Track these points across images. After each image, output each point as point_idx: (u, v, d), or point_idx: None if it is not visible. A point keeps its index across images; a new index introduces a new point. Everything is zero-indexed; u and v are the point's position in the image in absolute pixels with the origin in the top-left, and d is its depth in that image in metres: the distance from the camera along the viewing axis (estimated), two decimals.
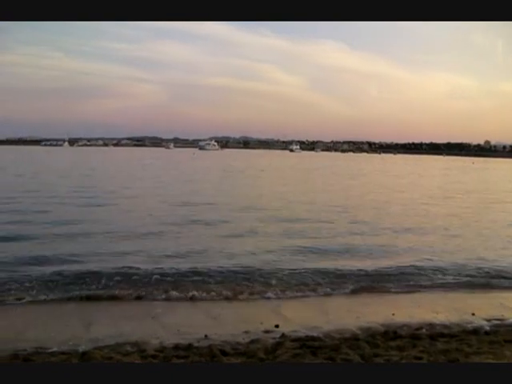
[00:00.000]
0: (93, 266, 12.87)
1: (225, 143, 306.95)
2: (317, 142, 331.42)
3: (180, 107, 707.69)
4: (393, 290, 11.98)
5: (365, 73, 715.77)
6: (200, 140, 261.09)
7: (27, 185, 36.85)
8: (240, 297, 11.15)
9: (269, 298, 11.13)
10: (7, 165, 68.01)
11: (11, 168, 59.87)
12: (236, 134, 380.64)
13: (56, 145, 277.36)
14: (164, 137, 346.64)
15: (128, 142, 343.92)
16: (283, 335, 8.39)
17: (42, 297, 10.77)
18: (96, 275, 12.06)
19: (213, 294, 11.21)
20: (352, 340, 8.08)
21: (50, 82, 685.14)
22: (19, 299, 10.50)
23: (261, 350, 7.50)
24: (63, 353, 7.63)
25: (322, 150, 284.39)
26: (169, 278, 12.03)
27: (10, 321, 9.54)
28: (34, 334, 8.69)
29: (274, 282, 12.08)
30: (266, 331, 8.79)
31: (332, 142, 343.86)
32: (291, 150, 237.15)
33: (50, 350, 7.81)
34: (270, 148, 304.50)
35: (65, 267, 12.77)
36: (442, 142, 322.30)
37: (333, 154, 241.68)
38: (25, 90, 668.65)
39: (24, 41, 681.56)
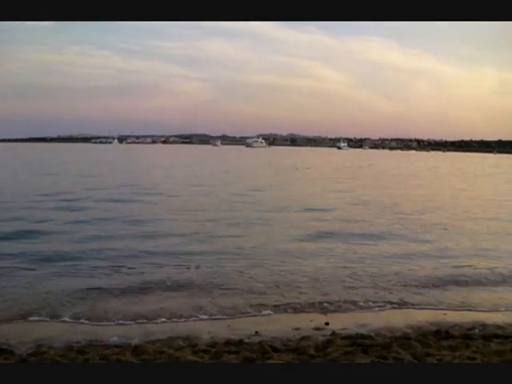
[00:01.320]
0: None
1: (272, 140, 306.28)
2: (364, 139, 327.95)
3: (227, 105, 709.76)
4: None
5: (412, 69, 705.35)
6: (247, 137, 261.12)
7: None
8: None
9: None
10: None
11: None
12: (283, 132, 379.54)
13: (106, 142, 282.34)
14: (211, 134, 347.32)
15: (176, 139, 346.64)
16: (333, 333, 8.37)
17: None
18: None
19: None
20: (403, 339, 7.99)
21: (99, 80, 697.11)
22: None
23: (311, 346, 7.49)
24: (116, 346, 7.78)
25: (370, 148, 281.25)
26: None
27: None
28: (88, 327, 8.89)
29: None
30: (316, 328, 8.78)
31: (380, 139, 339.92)
32: (339, 148, 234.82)
33: (104, 343, 7.97)
34: (317, 145, 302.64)
35: None
36: (493, 139, 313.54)
37: (381, 151, 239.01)
38: (74, 88, 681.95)
39: (74, 40, 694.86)
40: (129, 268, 12.66)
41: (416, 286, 11.64)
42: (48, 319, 9.30)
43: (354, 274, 12.45)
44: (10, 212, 21.80)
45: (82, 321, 9.23)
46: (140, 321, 9.23)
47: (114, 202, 25.85)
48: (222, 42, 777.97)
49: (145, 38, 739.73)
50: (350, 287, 11.44)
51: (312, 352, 7.24)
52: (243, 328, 8.76)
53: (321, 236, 17.64)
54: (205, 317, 9.53)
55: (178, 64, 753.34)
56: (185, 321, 9.32)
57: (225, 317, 9.53)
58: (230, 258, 13.97)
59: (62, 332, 8.59)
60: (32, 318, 9.31)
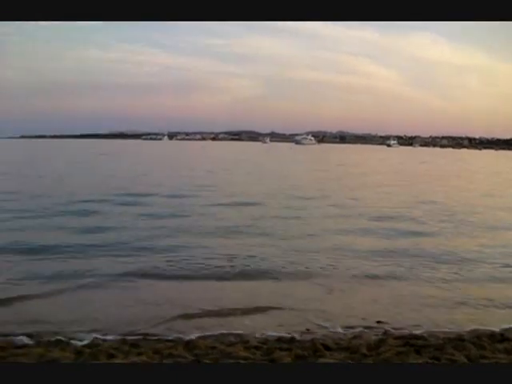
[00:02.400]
0: None
1: (321, 138, 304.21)
2: (415, 137, 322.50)
3: (276, 102, 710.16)
4: None
5: (463, 66, 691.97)
6: (296, 134, 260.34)
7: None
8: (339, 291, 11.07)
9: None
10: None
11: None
12: (332, 129, 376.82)
13: (156, 139, 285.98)
14: (260, 131, 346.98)
15: (225, 136, 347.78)
16: (386, 332, 8.33)
17: None
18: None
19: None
20: (457, 340, 7.86)
21: (147, 77, 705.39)
22: None
23: (363, 345, 7.44)
24: (168, 340, 7.88)
25: (420, 146, 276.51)
26: None
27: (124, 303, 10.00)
28: (144, 320, 8.99)
29: None
30: (368, 327, 8.72)
31: (430, 137, 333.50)
32: (389, 145, 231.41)
33: (157, 338, 8.06)
34: (366, 143, 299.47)
35: None
36: None
37: (431, 149, 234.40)
38: (124, 85, 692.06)
39: (122, 39, 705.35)
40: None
41: None
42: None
43: None
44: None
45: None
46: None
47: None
48: (271, 39, 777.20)
49: (192, 36, 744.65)
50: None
51: (364, 351, 7.20)
52: (295, 325, 8.76)
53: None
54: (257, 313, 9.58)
55: (227, 61, 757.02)
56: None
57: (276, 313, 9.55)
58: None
59: (116, 324, 8.74)
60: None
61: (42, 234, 16.18)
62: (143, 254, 13.71)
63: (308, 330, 8.50)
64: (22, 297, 10.00)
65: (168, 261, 12.91)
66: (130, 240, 15.51)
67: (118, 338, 7.97)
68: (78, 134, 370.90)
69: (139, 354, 7.03)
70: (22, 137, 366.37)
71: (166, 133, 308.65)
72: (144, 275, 11.65)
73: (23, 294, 10.17)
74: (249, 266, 12.59)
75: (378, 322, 8.95)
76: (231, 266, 12.40)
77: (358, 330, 8.56)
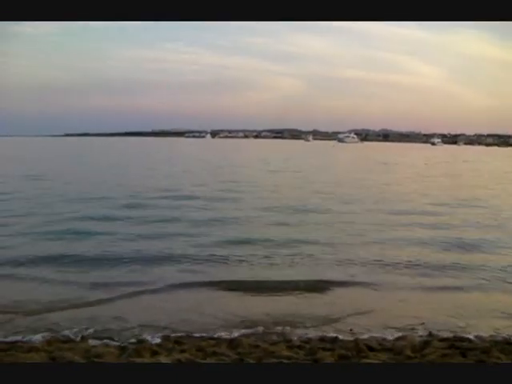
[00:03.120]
0: None
1: (364, 136, 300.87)
2: (459, 135, 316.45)
3: (319, 99, 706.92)
4: None
5: (510, 63, 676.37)
6: (339, 132, 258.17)
7: None
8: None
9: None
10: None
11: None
12: (375, 127, 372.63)
13: (199, 136, 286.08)
14: (303, 129, 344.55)
15: (268, 134, 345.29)
16: (431, 334, 8.20)
17: None
18: None
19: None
20: (504, 344, 7.72)
21: (191, 76, 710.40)
22: None
23: (408, 347, 7.34)
24: (212, 338, 7.92)
25: (465, 144, 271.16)
26: None
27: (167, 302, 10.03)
28: (186, 318, 9.06)
29: None
30: (413, 328, 8.60)
31: (475, 135, 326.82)
32: (433, 144, 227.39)
33: (199, 335, 8.11)
34: (410, 141, 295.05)
35: None
36: None
37: (476, 147, 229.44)
38: (167, 84, 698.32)
39: (166, 38, 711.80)
40: None
41: None
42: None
43: None
44: None
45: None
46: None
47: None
48: (315, 38, 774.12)
49: (236, 35, 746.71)
50: None
51: (408, 353, 7.11)
52: (337, 325, 8.73)
53: None
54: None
55: (269, 59, 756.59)
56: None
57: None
58: None
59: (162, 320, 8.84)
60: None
61: None
62: None
63: (351, 329, 8.46)
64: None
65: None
66: None
67: (162, 334, 8.04)
68: (123, 131, 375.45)
69: (182, 351, 7.10)
70: (66, 135, 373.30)
71: (208, 131, 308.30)
72: None
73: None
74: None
75: (422, 323, 8.84)
76: None
77: (402, 331, 8.46)
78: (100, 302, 9.93)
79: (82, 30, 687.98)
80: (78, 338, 7.84)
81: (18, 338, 7.87)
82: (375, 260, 13.17)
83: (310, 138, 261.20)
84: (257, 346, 7.34)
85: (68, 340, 7.75)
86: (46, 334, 8.02)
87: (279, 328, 8.45)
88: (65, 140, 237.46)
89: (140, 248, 14.08)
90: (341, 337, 7.97)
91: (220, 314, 9.23)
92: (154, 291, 10.62)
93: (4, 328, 8.36)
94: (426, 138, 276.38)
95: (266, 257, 13.38)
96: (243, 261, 12.99)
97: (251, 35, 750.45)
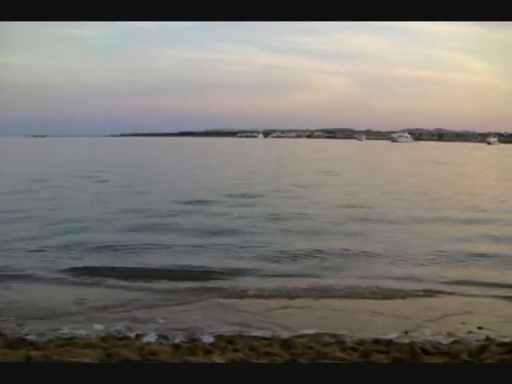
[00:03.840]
0: None
1: (418, 135, 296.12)
2: None
3: (371, 99, 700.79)
4: None
5: None
6: (392, 132, 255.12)
7: None
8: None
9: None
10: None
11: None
12: (430, 126, 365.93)
13: (251, 136, 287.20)
14: (356, 129, 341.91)
15: (320, 133, 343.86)
16: (488, 338, 8.00)
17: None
18: None
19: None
20: None
21: (243, 76, 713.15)
22: None
23: (464, 351, 7.13)
24: (265, 338, 7.92)
25: None
26: None
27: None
28: (237, 318, 9.09)
29: None
30: (469, 332, 8.43)
31: None
32: (488, 143, 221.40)
33: (253, 334, 8.13)
34: (465, 141, 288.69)
35: None
36: None
37: None
38: (220, 84, 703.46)
39: (217, 38, 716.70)
40: None
41: None
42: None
43: None
44: None
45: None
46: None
47: None
48: (367, 36, 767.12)
49: (288, 35, 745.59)
50: None
51: (465, 357, 6.93)
52: (392, 327, 8.61)
53: None
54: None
55: (321, 59, 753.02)
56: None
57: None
58: None
59: (214, 320, 8.91)
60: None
61: None
62: None
63: (406, 332, 8.33)
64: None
65: None
66: None
67: (215, 334, 8.09)
68: (177, 132, 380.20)
69: (235, 350, 7.10)
70: (122, 135, 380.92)
71: (261, 130, 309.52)
72: None
73: None
74: None
75: (480, 328, 8.65)
76: None
77: (458, 334, 8.30)
78: None
79: (133, 31, 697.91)
80: (133, 336, 7.97)
81: (76, 333, 8.07)
82: None
83: (363, 137, 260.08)
84: (310, 347, 7.28)
85: (123, 337, 7.88)
86: (102, 330, 8.23)
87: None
88: (126, 140, 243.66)
89: None
90: (396, 339, 7.87)
91: None
92: None
93: None
94: (481, 138, 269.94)
95: None
96: None
97: (303, 35, 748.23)
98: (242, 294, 10.51)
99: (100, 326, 8.48)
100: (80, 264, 12.53)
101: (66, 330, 8.24)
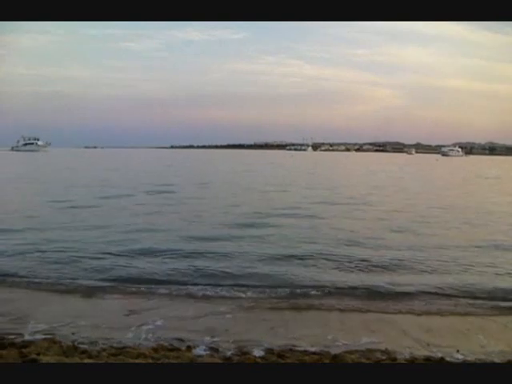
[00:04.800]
0: None
1: (469, 149, 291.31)
2: None
3: (421, 111, 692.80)
4: None
5: None
6: (443, 146, 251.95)
7: None
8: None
9: None
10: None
11: None
12: (481, 140, 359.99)
13: (300, 149, 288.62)
14: (405, 142, 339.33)
15: (369, 147, 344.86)
16: None
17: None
18: None
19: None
20: None
21: (291, 88, 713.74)
22: None
23: None
24: (315, 353, 7.89)
25: None
26: None
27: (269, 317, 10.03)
28: (286, 332, 9.08)
29: None
30: None
31: None
32: None
33: (303, 349, 8.12)
34: None
35: None
36: None
37: None
38: (268, 96, 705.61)
39: (264, 50, 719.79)
40: None
41: None
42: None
43: None
44: None
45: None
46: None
47: None
48: (415, 48, 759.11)
49: (335, 46, 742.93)
50: None
51: None
52: (444, 345, 8.47)
53: None
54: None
55: (369, 70, 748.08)
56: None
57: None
58: None
59: (263, 335, 8.93)
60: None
61: None
62: None
63: (458, 351, 8.18)
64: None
65: None
66: None
67: (264, 347, 8.12)
68: (225, 144, 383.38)
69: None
70: (172, 147, 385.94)
71: (310, 143, 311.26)
72: None
73: None
74: None
75: None
76: None
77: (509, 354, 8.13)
78: None
79: (185, 44, 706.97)
80: (184, 347, 8.06)
81: (129, 343, 8.23)
82: None
83: (413, 151, 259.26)
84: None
85: (174, 348, 7.97)
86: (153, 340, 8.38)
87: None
88: (174, 152, 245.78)
89: None
90: (448, 358, 7.74)
91: None
92: None
93: None
94: None
95: None
96: None
97: (350, 46, 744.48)
98: None
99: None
100: None
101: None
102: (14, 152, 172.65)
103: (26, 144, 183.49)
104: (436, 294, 11.48)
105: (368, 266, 13.76)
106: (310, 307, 10.56)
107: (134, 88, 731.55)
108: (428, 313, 10.35)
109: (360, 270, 13.47)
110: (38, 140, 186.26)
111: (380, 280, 12.45)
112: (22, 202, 28.49)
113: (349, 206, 27.58)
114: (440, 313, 10.35)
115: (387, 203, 29.81)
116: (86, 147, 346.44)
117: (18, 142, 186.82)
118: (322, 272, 13.22)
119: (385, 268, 13.66)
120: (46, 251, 14.99)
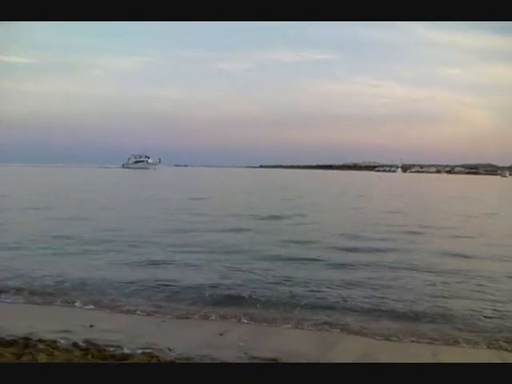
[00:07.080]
0: None
1: None
2: None
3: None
4: None
5: None
6: None
7: None
8: None
9: None
10: None
11: None
12: None
13: (389, 171, 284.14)
14: (498, 164, 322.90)
15: (461, 169, 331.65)
16: None
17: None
18: None
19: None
20: None
21: (381, 109, 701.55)
22: None
23: None
24: None
25: None
26: None
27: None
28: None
29: None
30: None
31: None
32: None
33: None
34: None
35: None
36: None
37: None
38: (359, 117, 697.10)
39: (354, 70, 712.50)
40: None
41: None
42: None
43: None
44: None
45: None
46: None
47: None
48: (503, 66, 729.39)
49: (423, 66, 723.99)
50: None
51: None
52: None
53: None
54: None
55: (459, 91, 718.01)
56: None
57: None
58: None
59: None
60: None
61: None
62: None
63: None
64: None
65: None
66: None
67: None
68: (314, 164, 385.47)
69: None
70: (261, 166, 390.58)
71: (399, 165, 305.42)
72: None
73: None
74: None
75: None
76: None
77: None
78: None
79: (275, 64, 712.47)
80: None
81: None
82: None
83: (507, 173, 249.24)
84: None
85: None
86: None
87: None
88: (272, 171, 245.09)
89: None
90: None
91: None
92: None
93: None
94: None
95: None
96: None
97: (438, 66, 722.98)
98: None
99: None
100: None
101: None
102: (125, 169, 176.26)
103: (136, 162, 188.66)
104: None
105: None
106: None
107: (224, 108, 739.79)
108: None
109: None
110: (148, 158, 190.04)
111: None
112: None
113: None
114: None
115: None
116: (177, 165, 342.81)
117: (129, 159, 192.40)
118: None
119: None
120: None
